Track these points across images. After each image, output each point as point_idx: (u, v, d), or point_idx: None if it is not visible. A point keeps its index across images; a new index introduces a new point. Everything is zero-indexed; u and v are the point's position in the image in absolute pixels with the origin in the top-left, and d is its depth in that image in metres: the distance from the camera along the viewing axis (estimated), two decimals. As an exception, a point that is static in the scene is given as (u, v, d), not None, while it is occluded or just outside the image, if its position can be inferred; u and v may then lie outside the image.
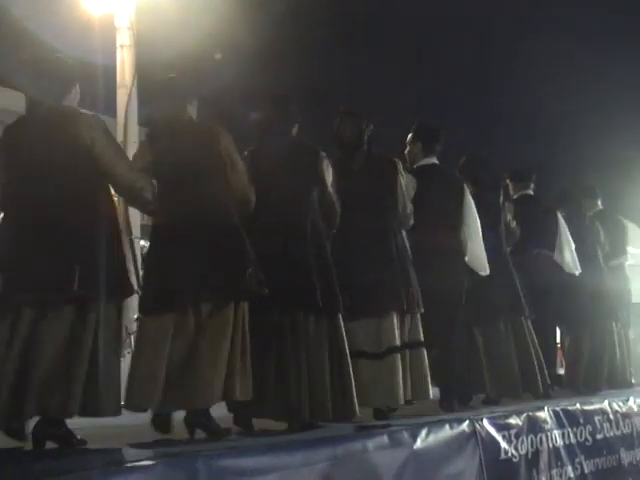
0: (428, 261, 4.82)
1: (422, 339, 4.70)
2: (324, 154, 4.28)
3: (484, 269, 5.29)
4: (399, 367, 4.48)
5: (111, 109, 10.40)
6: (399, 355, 4.50)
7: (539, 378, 5.56)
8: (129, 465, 2.66)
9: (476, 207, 5.32)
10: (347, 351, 4.10)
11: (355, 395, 4.02)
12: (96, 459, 2.98)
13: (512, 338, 5.55)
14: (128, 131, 9.54)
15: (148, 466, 2.67)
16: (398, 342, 4.52)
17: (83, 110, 3.69)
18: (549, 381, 5.76)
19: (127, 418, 3.70)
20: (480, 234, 5.27)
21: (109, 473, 2.55)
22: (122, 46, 9.78)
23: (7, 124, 3.72)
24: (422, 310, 4.70)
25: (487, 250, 5.33)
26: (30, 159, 3.54)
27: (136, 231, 9.20)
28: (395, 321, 4.54)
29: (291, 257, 4.04)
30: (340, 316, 4.14)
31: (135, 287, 3.79)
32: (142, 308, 3.78)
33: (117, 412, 3.46)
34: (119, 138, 9.89)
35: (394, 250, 4.62)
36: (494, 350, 5.44)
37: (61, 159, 3.50)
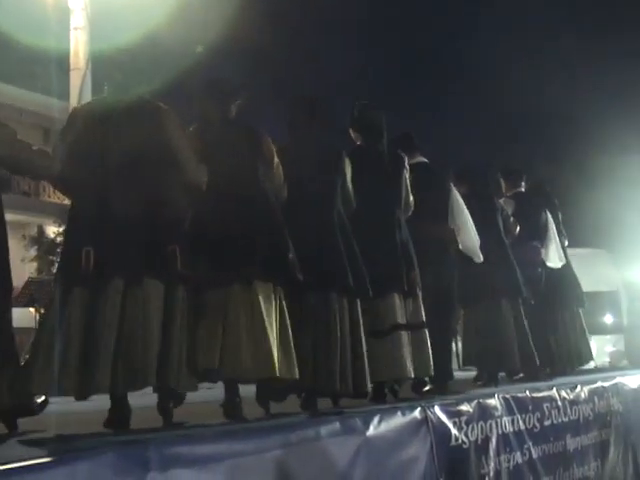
0: (421, 250, 5.23)
1: (424, 320, 5.12)
2: (345, 153, 4.77)
3: (477, 256, 5.88)
4: (403, 342, 4.86)
5: (64, 92, 10.23)
6: (403, 332, 4.88)
7: (534, 359, 6.28)
8: (78, 453, 2.63)
9: (474, 206, 6.00)
10: (362, 331, 4.53)
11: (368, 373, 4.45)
12: (45, 447, 2.94)
13: (511, 319, 6.23)
14: (81, 115, 9.39)
15: (98, 454, 2.64)
16: (401, 321, 4.91)
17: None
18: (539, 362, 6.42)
19: (76, 404, 3.67)
20: (470, 225, 5.86)
21: (57, 462, 2.52)
22: (76, 28, 9.63)
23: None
24: (420, 292, 5.11)
25: (487, 241, 5.98)
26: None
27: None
28: (397, 301, 4.93)
29: (325, 245, 4.42)
30: (358, 300, 4.56)
31: None
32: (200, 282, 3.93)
33: None
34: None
35: (398, 237, 5.04)
36: (492, 329, 6.11)
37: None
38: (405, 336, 4.91)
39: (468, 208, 5.93)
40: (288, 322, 4.01)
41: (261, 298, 3.88)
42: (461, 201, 5.87)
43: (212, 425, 3.54)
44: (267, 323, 3.84)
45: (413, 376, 4.94)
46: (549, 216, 7.25)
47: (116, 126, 3.77)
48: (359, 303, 4.56)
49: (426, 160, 5.82)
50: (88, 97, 9.61)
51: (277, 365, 3.80)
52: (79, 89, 9.51)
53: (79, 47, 9.55)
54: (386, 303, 4.89)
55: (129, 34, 9.34)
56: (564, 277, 7.37)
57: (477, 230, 5.95)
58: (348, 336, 4.41)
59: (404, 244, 5.09)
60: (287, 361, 3.90)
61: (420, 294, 5.15)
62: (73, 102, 9.55)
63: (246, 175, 4.14)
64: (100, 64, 9.72)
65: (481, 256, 5.90)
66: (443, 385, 5.35)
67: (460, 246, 5.82)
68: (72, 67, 9.61)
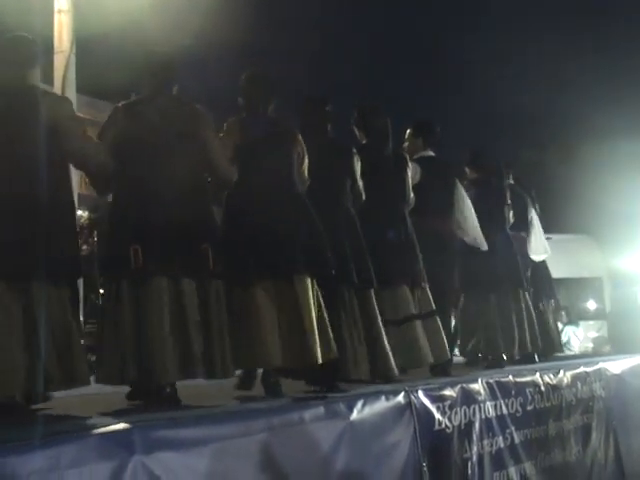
0: (425, 241, 5.42)
1: (434, 309, 5.34)
2: (355, 151, 4.94)
3: (483, 245, 6.05)
4: (418, 331, 5.11)
5: (48, 76, 10.14)
6: (417, 322, 5.14)
7: (539, 343, 6.58)
8: (63, 437, 2.63)
9: (483, 191, 6.24)
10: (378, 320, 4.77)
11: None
12: (30, 431, 2.94)
13: (512, 306, 6.42)
14: (66, 99, 9.31)
15: (83, 437, 2.65)
16: (414, 311, 5.17)
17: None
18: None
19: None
20: (473, 217, 6.02)
21: (42, 445, 2.52)
22: (60, 11, 9.53)
23: None
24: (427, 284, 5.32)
25: (494, 228, 6.21)
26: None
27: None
28: (407, 293, 5.18)
29: (332, 242, 4.48)
30: (372, 290, 4.80)
31: None
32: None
33: None
34: (56, 105, 9.63)
35: (404, 231, 5.24)
36: (504, 316, 6.32)
37: None
38: (419, 325, 5.14)
39: (479, 196, 6.09)
40: (324, 309, 4.27)
41: (300, 292, 4.11)
42: (464, 194, 6.01)
43: (197, 408, 3.54)
44: (306, 315, 4.09)
45: (432, 361, 5.16)
46: (534, 208, 7.36)
47: (155, 126, 3.90)
48: (373, 295, 4.78)
49: (433, 154, 5.95)
50: (72, 81, 9.53)
51: (318, 354, 4.06)
52: (63, 73, 9.42)
53: (63, 30, 9.44)
54: (395, 294, 5.10)
55: (114, 18, 9.26)
56: (541, 268, 7.46)
57: (484, 220, 6.08)
58: (358, 325, 4.63)
59: (409, 238, 5.27)
60: (324, 344, 4.15)
61: (427, 284, 5.35)
62: (57, 85, 9.47)
63: (285, 172, 4.31)
64: (84, 47, 9.65)
65: (486, 245, 6.04)
66: (446, 370, 5.45)
67: (465, 238, 5.97)
68: (56, 50, 9.52)
